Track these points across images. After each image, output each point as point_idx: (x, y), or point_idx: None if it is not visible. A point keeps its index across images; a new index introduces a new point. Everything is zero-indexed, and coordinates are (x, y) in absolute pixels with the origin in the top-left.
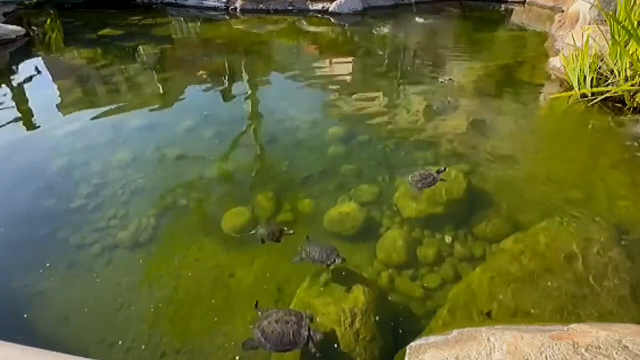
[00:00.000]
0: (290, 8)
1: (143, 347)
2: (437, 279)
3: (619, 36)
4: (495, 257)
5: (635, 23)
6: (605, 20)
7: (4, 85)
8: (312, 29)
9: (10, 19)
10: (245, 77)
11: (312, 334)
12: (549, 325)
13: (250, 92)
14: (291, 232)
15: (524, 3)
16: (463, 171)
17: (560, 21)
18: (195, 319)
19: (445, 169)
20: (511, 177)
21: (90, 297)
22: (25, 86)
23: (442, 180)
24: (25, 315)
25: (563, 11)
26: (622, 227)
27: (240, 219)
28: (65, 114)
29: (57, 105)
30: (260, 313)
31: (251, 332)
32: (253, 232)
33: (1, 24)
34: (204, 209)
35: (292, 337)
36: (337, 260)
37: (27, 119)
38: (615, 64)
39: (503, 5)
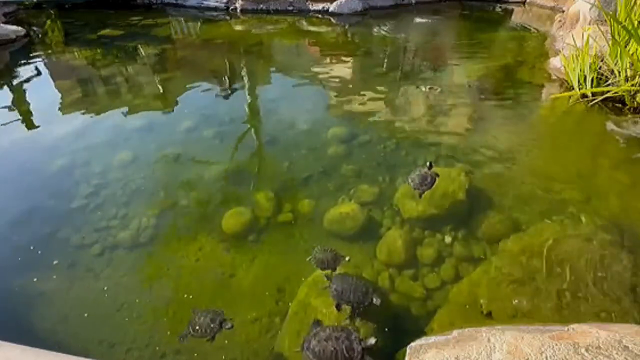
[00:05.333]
0: (290, 8)
1: (143, 347)
2: (437, 279)
3: (619, 36)
4: (495, 257)
5: (635, 23)
6: (605, 20)
7: (4, 85)
8: (312, 29)
9: (10, 19)
10: (245, 77)
11: (370, 342)
12: (549, 325)
13: (250, 92)
14: (347, 259)
15: (523, 3)
16: (463, 171)
17: (560, 21)
18: None
19: (431, 164)
20: (511, 176)
21: (90, 297)
22: (25, 86)
23: (436, 175)
24: (25, 315)
25: (563, 11)
26: (622, 226)
27: (240, 219)
28: (65, 114)
29: (57, 106)
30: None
31: (296, 355)
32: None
33: (1, 24)
34: (204, 209)
35: (345, 353)
36: (374, 300)
37: (27, 119)
38: (615, 64)
39: (503, 5)
